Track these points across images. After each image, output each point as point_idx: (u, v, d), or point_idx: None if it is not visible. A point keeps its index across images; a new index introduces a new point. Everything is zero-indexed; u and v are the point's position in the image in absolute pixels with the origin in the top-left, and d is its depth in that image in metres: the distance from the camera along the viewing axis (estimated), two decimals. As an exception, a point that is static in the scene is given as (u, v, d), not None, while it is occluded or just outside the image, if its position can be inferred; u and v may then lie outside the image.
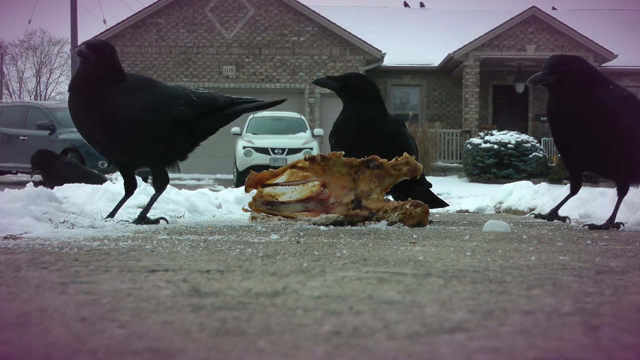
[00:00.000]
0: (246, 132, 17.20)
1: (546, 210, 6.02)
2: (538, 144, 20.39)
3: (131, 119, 3.76)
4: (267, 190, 4.34)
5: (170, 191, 5.33)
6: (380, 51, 23.04)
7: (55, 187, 5.17)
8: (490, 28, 23.27)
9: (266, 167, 13.15)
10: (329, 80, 4.79)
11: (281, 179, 4.37)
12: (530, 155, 19.54)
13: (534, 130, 24.80)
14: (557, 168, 19.94)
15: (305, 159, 4.29)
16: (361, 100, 4.65)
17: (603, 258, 2.26)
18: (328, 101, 23.00)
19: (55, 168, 6.95)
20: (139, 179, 5.60)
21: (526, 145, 19.66)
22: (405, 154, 4.23)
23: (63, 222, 3.27)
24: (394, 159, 4.20)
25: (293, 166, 4.37)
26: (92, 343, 1.02)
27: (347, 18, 26.31)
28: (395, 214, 3.99)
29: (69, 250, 2.28)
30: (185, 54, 23.21)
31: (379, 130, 4.63)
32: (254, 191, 4.38)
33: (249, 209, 4.32)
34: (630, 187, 4.09)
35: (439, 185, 15.81)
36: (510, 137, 19.76)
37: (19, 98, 49.89)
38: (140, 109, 3.78)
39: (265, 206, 4.28)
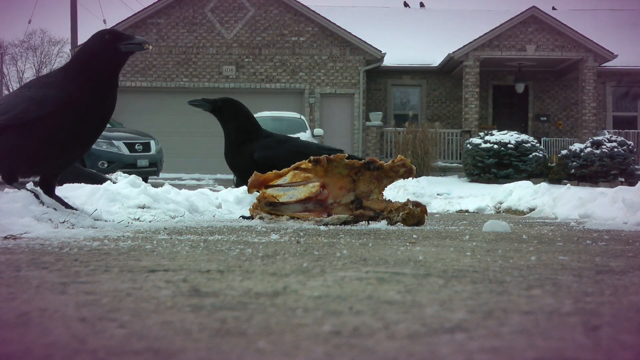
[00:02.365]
0: (246, 132, 17.17)
1: (546, 210, 6.01)
2: (538, 144, 20.36)
3: None
4: (269, 191, 4.35)
5: (170, 191, 5.33)
6: (380, 51, 23.03)
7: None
8: (490, 28, 23.26)
9: (266, 167, 13.08)
10: (203, 102, 5.24)
11: (284, 180, 4.38)
12: (530, 155, 19.51)
13: (533, 130, 24.80)
14: (557, 168, 19.93)
15: (309, 161, 4.32)
16: (230, 122, 5.21)
17: (603, 258, 2.26)
18: (328, 101, 23.00)
19: None
20: (139, 179, 5.61)
21: (526, 145, 19.63)
22: (399, 156, 4.36)
23: (63, 222, 3.27)
24: (390, 161, 4.31)
25: (296, 167, 4.38)
26: (92, 343, 1.02)
27: (347, 18, 26.30)
28: (400, 214, 4.08)
29: (69, 250, 2.28)
30: (185, 54, 23.20)
31: (252, 150, 5.13)
32: (256, 192, 4.38)
33: (256, 212, 4.28)
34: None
35: (439, 185, 15.78)
36: (510, 137, 19.73)
37: (19, 98, 49.63)
38: None
39: (268, 207, 4.29)
